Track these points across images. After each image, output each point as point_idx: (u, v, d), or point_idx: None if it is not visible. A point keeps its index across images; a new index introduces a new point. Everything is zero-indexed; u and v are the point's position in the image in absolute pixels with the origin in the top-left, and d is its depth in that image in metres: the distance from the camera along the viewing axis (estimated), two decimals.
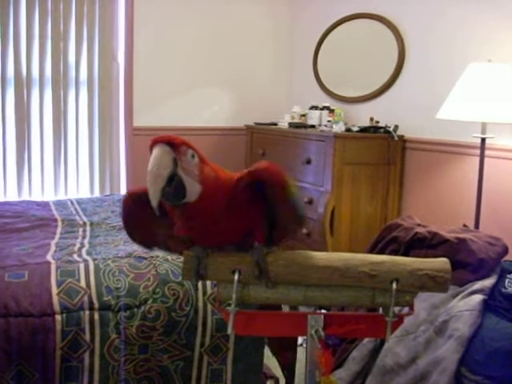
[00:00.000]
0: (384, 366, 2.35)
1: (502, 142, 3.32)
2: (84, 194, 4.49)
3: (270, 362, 2.47)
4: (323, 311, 2.80)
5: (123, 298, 2.02)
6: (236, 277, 1.18)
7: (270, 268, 1.21)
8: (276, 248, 1.24)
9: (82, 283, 2.05)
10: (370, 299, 1.21)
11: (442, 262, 1.22)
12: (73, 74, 4.39)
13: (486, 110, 2.98)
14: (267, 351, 2.38)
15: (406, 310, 2.39)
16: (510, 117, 2.99)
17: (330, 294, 1.21)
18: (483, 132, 3.14)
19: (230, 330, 1.19)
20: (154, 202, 1.16)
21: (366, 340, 2.45)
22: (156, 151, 1.20)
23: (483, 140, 3.16)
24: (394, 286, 1.17)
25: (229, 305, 1.22)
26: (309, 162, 3.90)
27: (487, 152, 3.19)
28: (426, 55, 3.89)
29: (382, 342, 2.42)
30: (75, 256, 2.29)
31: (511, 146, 3.32)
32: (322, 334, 1.17)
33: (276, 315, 1.31)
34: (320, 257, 1.23)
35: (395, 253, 2.61)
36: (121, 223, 2.80)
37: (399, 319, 1.21)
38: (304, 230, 3.86)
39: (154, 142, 1.22)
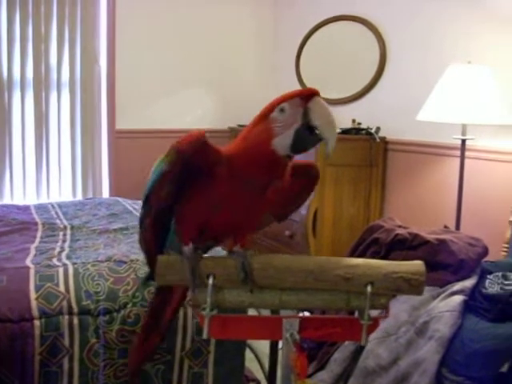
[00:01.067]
0: (366, 367, 2.36)
1: (482, 143, 3.34)
2: (66, 197, 4.46)
3: (252, 364, 2.47)
4: (307, 314, 2.81)
5: (103, 303, 2.01)
6: (210, 281, 1.18)
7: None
8: (252, 251, 1.24)
9: (61, 288, 2.03)
10: (345, 302, 1.21)
11: (416, 265, 1.22)
12: (54, 76, 4.37)
13: (465, 112, 3.00)
14: (249, 354, 2.38)
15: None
16: (489, 118, 3.01)
17: (306, 297, 1.20)
18: (463, 133, 3.16)
19: (205, 335, 1.19)
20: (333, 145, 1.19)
21: (347, 342, 2.45)
22: (322, 102, 1.22)
23: (463, 141, 3.18)
24: (369, 289, 1.17)
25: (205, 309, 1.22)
26: None
27: (467, 153, 3.22)
28: (407, 57, 3.91)
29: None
30: (55, 260, 2.28)
31: (491, 147, 3.34)
32: (297, 337, 1.18)
33: (252, 319, 1.31)
34: (295, 260, 1.23)
35: (376, 254, 2.63)
36: (102, 226, 2.83)
37: (375, 322, 1.21)
38: (287, 232, 3.86)
39: (313, 94, 1.22)
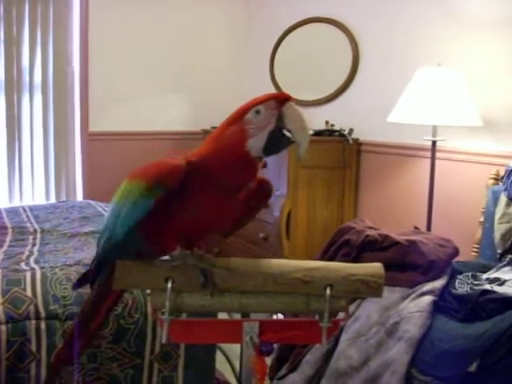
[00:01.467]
0: (337, 368, 2.36)
1: (453, 145, 3.37)
2: (40, 200, 4.42)
3: (224, 367, 2.47)
4: (281, 317, 2.81)
5: (70, 307, 1.99)
6: (169, 285, 1.18)
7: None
8: (210, 255, 1.23)
9: (28, 292, 2.01)
10: (304, 305, 1.21)
11: (375, 267, 1.23)
12: (27, 78, 4.34)
13: (435, 113, 3.03)
14: (220, 356, 2.38)
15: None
16: (459, 119, 3.04)
17: (265, 300, 1.20)
18: (434, 135, 3.19)
19: (164, 339, 1.19)
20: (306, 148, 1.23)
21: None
22: (296, 107, 1.24)
23: (434, 142, 3.21)
24: (328, 291, 1.17)
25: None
26: (264, 165, 3.90)
27: (438, 154, 3.25)
28: (379, 59, 3.94)
29: (335, 345, 2.44)
30: (22, 264, 2.26)
31: (461, 148, 3.38)
32: (257, 340, 1.17)
33: (212, 323, 1.31)
34: (254, 263, 1.23)
35: (347, 256, 2.63)
36: (73, 230, 2.81)
37: (334, 325, 1.21)
38: (261, 234, 3.87)
39: (287, 99, 1.23)
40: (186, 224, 1.27)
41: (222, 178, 1.24)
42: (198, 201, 1.25)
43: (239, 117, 1.24)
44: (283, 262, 1.25)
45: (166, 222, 1.26)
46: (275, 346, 2.86)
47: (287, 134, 1.22)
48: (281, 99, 1.23)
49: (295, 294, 1.21)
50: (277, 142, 1.23)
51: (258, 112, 1.22)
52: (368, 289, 1.19)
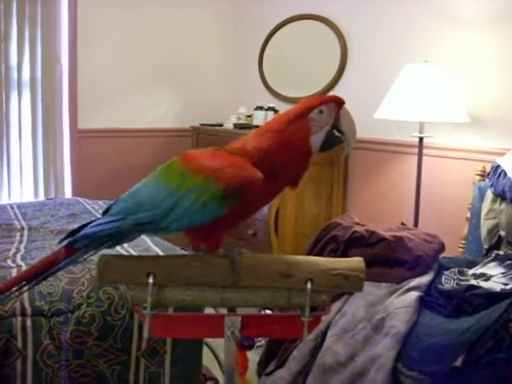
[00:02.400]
0: (324, 364, 2.37)
1: (439, 141, 3.39)
2: (28, 197, 4.42)
3: (211, 363, 2.48)
4: (268, 312, 2.82)
5: (56, 303, 1.99)
6: (151, 280, 1.18)
7: (183, 270, 1.21)
8: (191, 250, 1.24)
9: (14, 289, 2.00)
10: (286, 300, 1.21)
11: (355, 261, 1.24)
12: (15, 75, 4.32)
13: (422, 110, 3.04)
14: (208, 352, 2.38)
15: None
16: (445, 116, 3.06)
17: (247, 295, 1.21)
18: (421, 131, 3.20)
19: (146, 334, 1.19)
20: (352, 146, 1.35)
21: (307, 338, 2.47)
22: (348, 111, 1.35)
23: (421, 139, 3.22)
24: (309, 286, 1.18)
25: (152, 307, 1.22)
26: None
27: (425, 151, 3.26)
28: (367, 56, 3.95)
29: (322, 341, 2.45)
30: (9, 261, 2.25)
31: (448, 145, 3.39)
32: (238, 335, 1.18)
33: (194, 317, 1.31)
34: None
35: (334, 252, 2.64)
36: (60, 227, 2.81)
37: (316, 319, 1.22)
38: (250, 231, 3.87)
39: (343, 103, 1.34)
40: (236, 221, 1.33)
41: (286, 171, 1.31)
42: (258, 197, 1.28)
43: (303, 114, 1.31)
44: (263, 256, 1.26)
45: (219, 223, 1.27)
46: (264, 341, 2.88)
47: (339, 134, 1.33)
48: (339, 103, 1.33)
49: (276, 289, 1.22)
50: (331, 140, 1.33)
51: (321, 112, 1.31)
52: (348, 283, 1.19)
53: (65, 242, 1.37)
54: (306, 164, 1.34)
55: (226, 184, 1.20)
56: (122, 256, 1.27)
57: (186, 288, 1.20)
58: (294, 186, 1.38)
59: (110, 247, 1.33)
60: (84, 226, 1.37)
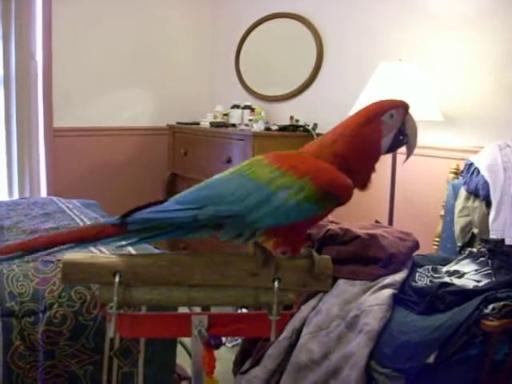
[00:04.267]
0: (298, 362, 2.38)
1: None
2: (2, 197, 4.36)
3: (189, 362, 2.46)
4: (244, 310, 2.81)
5: (27, 304, 1.97)
6: (117, 279, 1.17)
7: (150, 269, 1.20)
8: (158, 250, 1.24)
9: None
10: (253, 299, 1.21)
11: (322, 260, 1.24)
12: None
13: None
14: (182, 351, 2.37)
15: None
16: (420, 114, 3.06)
17: (214, 294, 1.20)
18: None
19: (111, 333, 1.18)
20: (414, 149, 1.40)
21: (281, 337, 2.47)
22: (413, 116, 1.39)
23: None
24: (276, 284, 1.18)
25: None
26: (229, 161, 3.91)
27: (399, 149, 3.27)
28: (343, 54, 3.96)
29: (297, 339, 2.45)
30: None
31: (422, 143, 3.32)
32: (205, 334, 1.18)
33: (160, 317, 1.30)
34: (202, 256, 1.23)
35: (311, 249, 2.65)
36: (33, 227, 2.78)
37: (284, 317, 1.22)
38: None
39: (408, 108, 1.38)
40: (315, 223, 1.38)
41: (360, 174, 1.34)
42: None
43: (375, 117, 1.34)
44: (230, 254, 1.26)
45: (304, 225, 1.31)
46: (240, 340, 2.87)
47: (402, 137, 1.38)
48: (406, 108, 1.38)
49: (244, 287, 1.22)
50: (397, 143, 1.38)
51: (392, 116, 1.35)
52: (316, 281, 1.20)
53: (114, 219, 1.28)
54: (375, 166, 1.37)
55: (320, 187, 1.24)
56: (89, 255, 1.25)
57: (153, 287, 1.20)
58: (363, 188, 1.39)
59: (165, 238, 1.28)
60: (138, 208, 1.29)
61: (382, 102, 1.39)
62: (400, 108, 1.37)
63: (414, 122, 1.39)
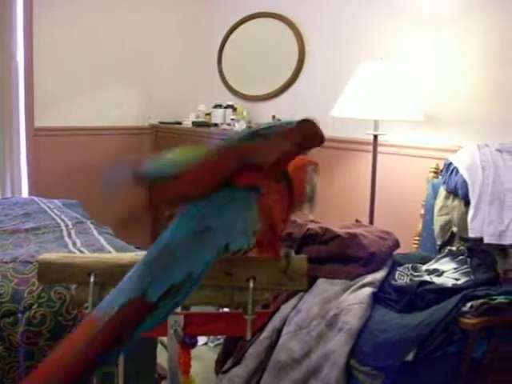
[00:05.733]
0: (279, 361, 2.38)
1: (394, 139, 3.41)
2: None
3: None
4: (225, 310, 2.81)
5: (7, 304, 1.96)
6: (92, 279, 1.17)
7: (126, 270, 1.19)
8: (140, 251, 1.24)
9: None
10: (228, 298, 1.21)
11: (297, 259, 1.24)
12: None
13: (377, 108, 3.07)
14: (163, 351, 2.36)
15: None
16: (400, 114, 3.09)
17: None
18: (375, 129, 3.23)
19: None
20: None
21: (262, 336, 2.48)
22: None
23: (375, 137, 3.25)
24: (251, 284, 1.19)
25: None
26: None
27: (380, 148, 3.29)
28: (325, 54, 3.97)
29: (278, 338, 2.46)
30: None
31: (402, 142, 3.43)
32: (181, 333, 1.18)
33: None
34: None
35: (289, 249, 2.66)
36: (13, 226, 2.76)
37: (259, 317, 1.22)
38: None
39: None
40: None
41: None
42: None
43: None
44: None
45: None
46: (222, 339, 2.87)
47: None
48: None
49: (218, 287, 1.22)
50: None
51: None
52: (291, 281, 1.20)
53: (119, 301, 1.04)
54: None
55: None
56: (64, 255, 1.25)
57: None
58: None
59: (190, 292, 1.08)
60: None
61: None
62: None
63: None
